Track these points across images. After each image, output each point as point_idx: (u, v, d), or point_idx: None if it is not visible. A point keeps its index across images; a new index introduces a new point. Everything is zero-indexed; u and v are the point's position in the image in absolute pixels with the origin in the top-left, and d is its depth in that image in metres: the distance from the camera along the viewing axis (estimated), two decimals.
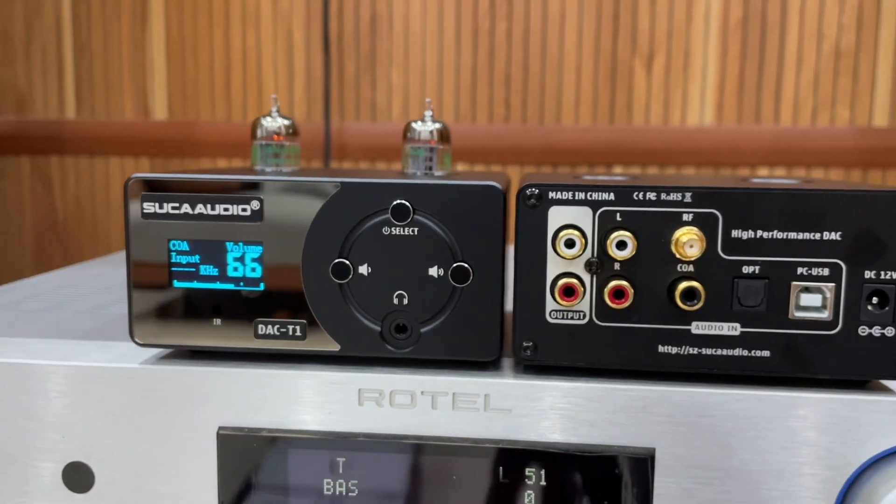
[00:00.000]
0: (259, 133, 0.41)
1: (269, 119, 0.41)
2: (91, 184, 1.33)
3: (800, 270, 0.32)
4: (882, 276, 0.32)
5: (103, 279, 0.58)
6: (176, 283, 0.35)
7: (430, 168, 0.41)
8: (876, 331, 0.32)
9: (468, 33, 1.23)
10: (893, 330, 0.32)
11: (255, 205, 0.34)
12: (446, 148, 0.41)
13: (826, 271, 0.32)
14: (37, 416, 0.36)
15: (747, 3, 1.20)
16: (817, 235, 0.32)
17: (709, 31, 1.22)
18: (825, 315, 0.33)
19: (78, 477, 0.36)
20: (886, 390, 0.33)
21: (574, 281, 0.33)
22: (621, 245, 0.32)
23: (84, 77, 1.29)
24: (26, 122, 1.31)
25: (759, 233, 0.32)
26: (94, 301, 0.50)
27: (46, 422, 0.36)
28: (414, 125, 0.41)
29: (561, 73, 1.23)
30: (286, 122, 0.42)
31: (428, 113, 0.41)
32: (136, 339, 0.36)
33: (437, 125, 0.41)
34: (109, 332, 0.42)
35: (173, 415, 0.36)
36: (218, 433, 0.35)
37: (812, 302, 0.33)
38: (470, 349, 0.35)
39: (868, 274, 0.32)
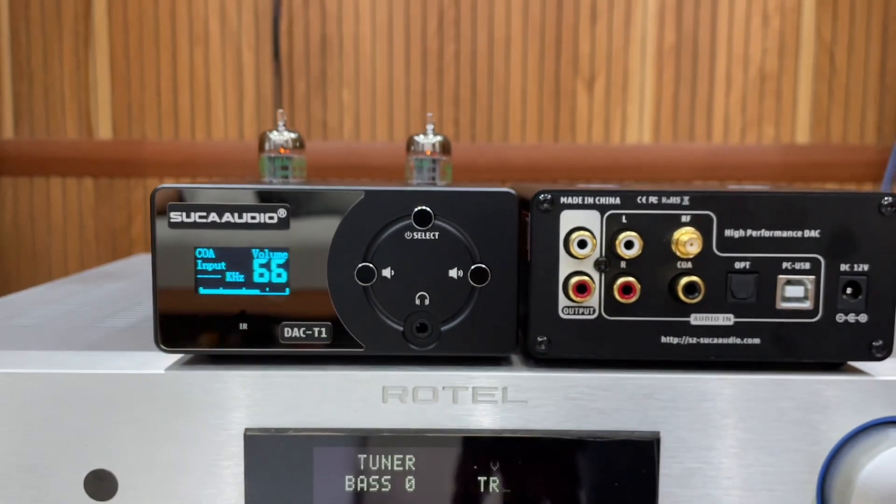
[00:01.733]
0: (267, 146, 0.43)
1: (276, 133, 0.43)
2: (30, 206, 1.29)
3: (784, 265, 0.36)
4: (855, 269, 0.36)
5: (83, 296, 0.58)
6: (202, 290, 0.36)
7: (434, 178, 0.43)
8: (851, 317, 0.36)
9: (417, 55, 1.26)
10: (866, 316, 0.36)
11: (282, 212, 0.36)
12: (448, 159, 0.44)
13: (807, 265, 0.36)
14: (59, 425, 0.36)
15: (679, 29, 1.28)
16: (799, 233, 0.36)
17: (645, 56, 1.28)
18: (807, 305, 0.36)
19: (101, 484, 0.37)
20: (861, 371, 0.37)
21: (586, 278, 0.36)
22: (629, 245, 0.35)
23: (23, 96, 1.26)
24: None
25: (749, 232, 0.36)
26: (86, 316, 0.50)
27: (69, 430, 0.36)
28: (417, 138, 0.43)
29: (507, 93, 1.28)
30: (293, 135, 0.43)
31: (430, 126, 0.44)
32: (163, 346, 0.36)
33: (439, 138, 0.43)
34: (117, 343, 0.42)
35: (200, 419, 0.36)
36: (245, 434, 0.36)
37: (796, 293, 0.36)
38: (488, 345, 0.37)
39: (843, 267, 0.36)
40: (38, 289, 0.61)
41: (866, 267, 0.36)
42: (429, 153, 0.43)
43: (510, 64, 1.27)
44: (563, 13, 1.27)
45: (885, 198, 0.36)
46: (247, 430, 0.36)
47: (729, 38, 1.28)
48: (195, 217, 0.36)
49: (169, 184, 0.36)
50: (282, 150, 0.43)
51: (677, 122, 1.29)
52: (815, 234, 0.36)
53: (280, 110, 0.44)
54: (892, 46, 1.27)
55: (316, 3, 1.25)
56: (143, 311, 0.52)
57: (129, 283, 0.64)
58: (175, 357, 0.38)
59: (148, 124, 1.27)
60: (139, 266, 0.76)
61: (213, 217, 0.36)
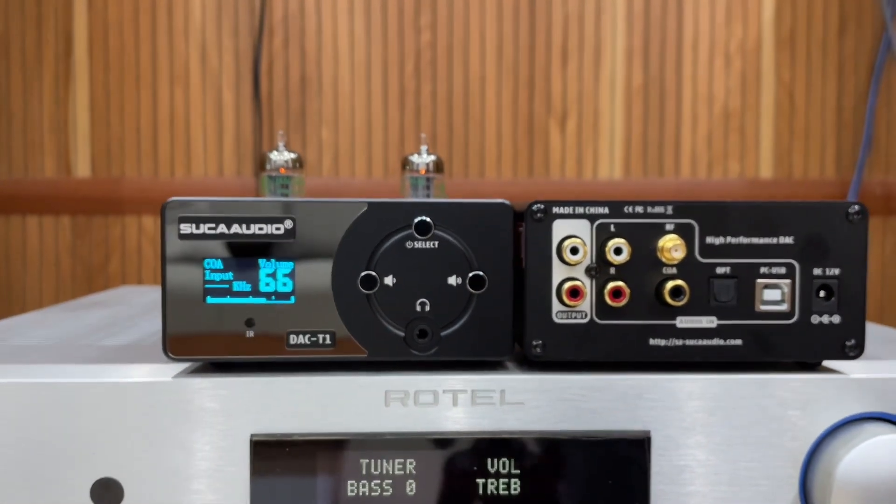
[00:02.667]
0: (268, 166, 0.45)
1: (276, 153, 0.45)
2: (6, 244, 1.28)
3: (762, 270, 0.39)
4: (827, 273, 0.39)
5: (75, 321, 0.58)
6: (209, 299, 0.37)
7: (428, 196, 0.45)
8: (825, 319, 0.39)
9: (395, 94, 1.30)
10: (839, 317, 0.39)
11: (289, 224, 0.38)
12: (441, 178, 0.46)
13: (783, 270, 0.39)
14: (66, 434, 0.37)
15: (647, 70, 1.33)
16: (774, 240, 0.39)
17: (615, 95, 1.33)
18: (784, 307, 0.39)
19: (107, 493, 0.37)
20: (835, 371, 0.40)
21: (579, 283, 0.38)
22: (618, 251, 0.38)
23: (1, 134, 1.26)
24: None
25: (729, 239, 0.38)
26: (83, 337, 0.50)
27: (76, 439, 0.37)
28: (412, 158, 0.46)
29: (483, 131, 1.31)
30: (293, 155, 0.45)
31: (423, 147, 0.46)
32: (170, 354, 0.38)
33: (433, 157, 0.46)
34: (119, 358, 0.43)
35: (207, 425, 0.37)
36: (251, 440, 0.37)
37: (773, 296, 0.39)
38: (486, 349, 0.38)
39: (816, 271, 0.39)
40: (25, 316, 0.62)
41: (837, 271, 0.39)
42: (423, 172, 0.45)
43: (485, 103, 1.31)
44: (535, 54, 1.32)
45: (853, 206, 0.38)
46: (253, 435, 0.37)
47: (694, 78, 1.33)
48: (204, 228, 0.37)
49: (180, 196, 0.38)
50: (282, 170, 0.45)
51: (647, 158, 1.33)
52: (789, 240, 0.39)
53: (280, 132, 0.46)
54: (847, 86, 1.34)
55: (296, 44, 1.28)
56: (139, 331, 0.52)
57: (119, 309, 0.65)
58: (181, 366, 0.39)
59: (127, 162, 1.28)
60: (125, 295, 0.76)
61: (222, 228, 0.37)
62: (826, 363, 0.41)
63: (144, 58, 1.26)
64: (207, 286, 0.37)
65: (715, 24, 1.33)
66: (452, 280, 0.38)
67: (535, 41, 1.31)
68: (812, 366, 0.40)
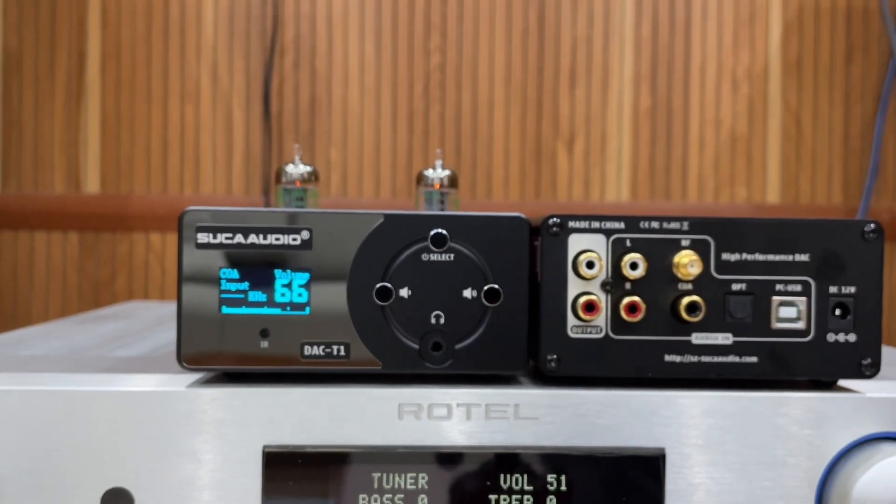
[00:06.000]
0: (284, 179, 0.45)
1: (292, 166, 0.45)
2: (13, 260, 1.29)
3: (778, 287, 0.39)
4: (843, 291, 0.39)
5: (84, 333, 0.58)
6: (225, 309, 0.37)
7: (442, 210, 0.45)
8: (841, 337, 0.39)
9: (404, 115, 1.30)
10: (854, 336, 0.39)
11: (306, 234, 0.38)
12: (455, 193, 0.46)
13: (799, 287, 0.39)
14: (78, 443, 0.37)
15: (654, 93, 1.34)
16: (790, 257, 0.38)
17: (622, 118, 1.34)
18: (800, 325, 0.39)
19: (117, 503, 0.37)
20: (851, 389, 0.40)
21: (594, 297, 0.38)
22: (634, 266, 0.38)
23: (12, 151, 1.27)
24: None
25: (745, 255, 0.38)
26: (94, 348, 0.50)
27: (87, 448, 0.37)
28: (426, 172, 0.46)
29: (491, 153, 1.32)
30: (308, 168, 0.45)
31: (438, 162, 0.46)
32: (185, 363, 0.37)
33: (447, 172, 0.46)
34: (131, 368, 0.43)
35: (220, 435, 0.37)
36: (264, 451, 0.37)
37: (789, 314, 0.39)
38: (500, 363, 0.38)
39: (832, 289, 0.39)
40: (34, 328, 0.62)
41: (853, 289, 0.39)
42: (437, 186, 0.45)
43: (493, 124, 1.32)
44: (543, 77, 1.33)
45: (868, 224, 0.38)
46: (265, 447, 0.37)
47: (701, 102, 1.34)
48: (221, 238, 0.37)
49: (197, 206, 0.38)
50: (297, 183, 0.45)
51: (654, 181, 1.34)
52: (805, 258, 0.38)
53: (297, 145, 0.46)
54: (854, 112, 1.34)
55: (306, 65, 1.30)
56: (150, 343, 0.52)
57: (128, 322, 0.65)
58: (194, 376, 0.39)
59: (136, 179, 1.28)
60: (134, 310, 0.76)
61: (239, 238, 0.37)
62: (842, 382, 0.40)
63: (156, 76, 1.28)
64: (223, 296, 0.37)
65: (722, 48, 1.34)
66: (468, 293, 0.38)
67: (544, 64, 1.33)
68: (828, 384, 0.40)
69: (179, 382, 0.38)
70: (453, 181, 0.46)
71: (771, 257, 0.38)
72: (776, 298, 0.39)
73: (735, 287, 0.38)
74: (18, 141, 1.27)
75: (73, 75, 1.27)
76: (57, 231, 1.29)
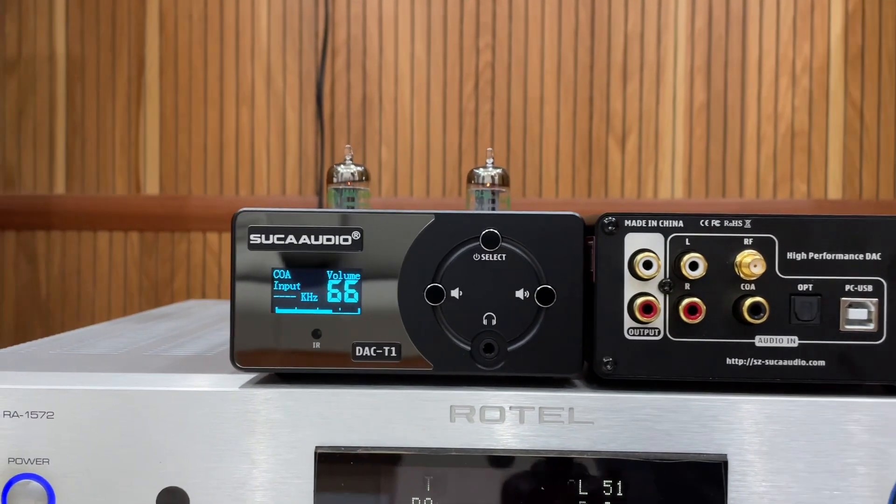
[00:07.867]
0: (335, 179, 0.45)
1: (343, 166, 0.45)
2: (78, 259, 1.33)
3: (847, 287, 0.37)
4: None
5: (142, 332, 0.59)
6: (277, 310, 0.38)
7: (493, 209, 0.45)
8: None
9: (454, 114, 1.30)
10: None
11: (356, 235, 0.37)
12: (507, 192, 0.45)
13: (870, 288, 0.37)
14: (135, 442, 0.37)
15: (710, 87, 1.30)
16: (860, 256, 0.37)
17: (676, 113, 1.31)
18: (871, 327, 0.37)
19: (172, 502, 0.37)
20: None
21: (652, 298, 0.37)
22: (693, 266, 0.36)
23: (76, 153, 1.31)
24: (13, 198, 1.31)
25: (811, 254, 0.37)
26: (150, 347, 0.51)
27: (144, 447, 0.37)
28: (477, 171, 0.45)
29: (541, 150, 1.30)
30: (359, 168, 0.45)
31: (489, 160, 0.45)
32: (238, 364, 0.38)
33: (499, 170, 0.45)
34: (186, 368, 0.43)
35: (272, 436, 0.37)
36: (316, 452, 0.37)
37: (859, 315, 0.37)
38: (554, 365, 0.38)
39: None
40: (94, 327, 0.63)
41: None
42: (488, 185, 0.44)
43: (544, 122, 1.31)
44: (594, 73, 1.31)
45: None
46: (317, 447, 0.37)
47: (758, 97, 1.30)
48: (273, 239, 0.37)
49: (250, 208, 0.38)
50: (349, 183, 0.45)
51: (709, 178, 1.30)
52: (876, 256, 0.37)
53: (347, 146, 0.46)
54: None
55: (357, 66, 1.30)
56: (206, 343, 0.53)
57: (185, 321, 0.66)
58: (247, 376, 0.39)
59: (194, 181, 1.31)
60: (191, 308, 0.77)
61: (291, 239, 0.37)
62: None
63: (212, 80, 1.30)
64: (276, 297, 0.38)
65: (780, 41, 1.30)
66: (520, 294, 0.37)
67: (595, 60, 1.30)
68: None
69: (233, 383, 0.38)
70: (504, 179, 0.45)
71: (839, 256, 0.37)
72: (845, 299, 0.37)
73: (801, 287, 0.37)
74: (81, 144, 1.31)
75: (132, 80, 1.31)
76: (118, 231, 1.32)
